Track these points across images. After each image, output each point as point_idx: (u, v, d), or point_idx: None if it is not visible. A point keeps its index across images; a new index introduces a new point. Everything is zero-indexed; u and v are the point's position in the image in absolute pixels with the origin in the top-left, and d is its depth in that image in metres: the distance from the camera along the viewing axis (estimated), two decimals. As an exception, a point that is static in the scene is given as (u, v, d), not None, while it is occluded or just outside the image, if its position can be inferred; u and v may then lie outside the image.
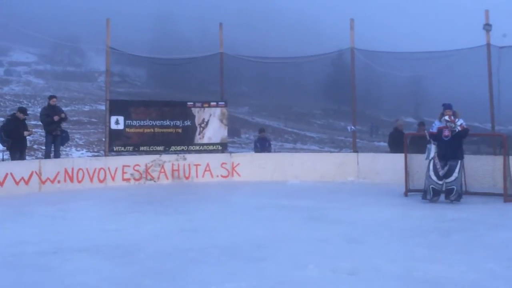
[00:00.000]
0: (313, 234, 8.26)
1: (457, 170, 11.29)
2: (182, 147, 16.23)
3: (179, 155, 15.91)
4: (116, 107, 15.93)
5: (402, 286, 5.67)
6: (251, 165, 16.17)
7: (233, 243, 7.65)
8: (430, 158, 11.59)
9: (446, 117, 11.42)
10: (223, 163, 16.13)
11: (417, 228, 8.94)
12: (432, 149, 11.59)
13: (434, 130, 11.63)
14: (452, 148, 11.32)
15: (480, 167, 12.63)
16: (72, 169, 14.33)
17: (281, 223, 9.28)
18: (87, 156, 22.02)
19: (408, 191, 12.37)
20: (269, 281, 5.81)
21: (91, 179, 14.61)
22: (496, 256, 6.81)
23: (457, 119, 11.41)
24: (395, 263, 6.45)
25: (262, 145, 17.50)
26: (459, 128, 11.33)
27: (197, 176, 15.84)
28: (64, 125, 15.39)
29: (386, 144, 19.07)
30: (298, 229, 8.73)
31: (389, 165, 14.51)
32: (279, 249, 7.26)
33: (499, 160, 12.31)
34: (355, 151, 16.52)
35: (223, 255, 6.95)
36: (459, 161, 11.39)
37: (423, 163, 11.83)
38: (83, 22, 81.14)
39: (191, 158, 15.97)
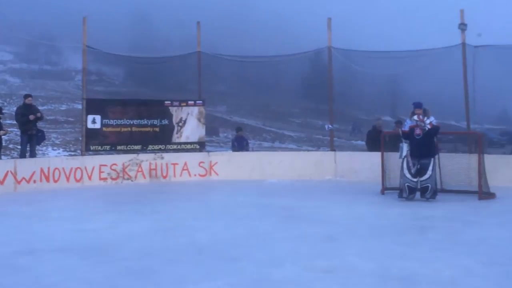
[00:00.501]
0: (291, 232, 8.29)
1: (430, 168, 11.39)
2: (160, 146, 16.18)
3: (157, 154, 15.86)
4: (93, 106, 15.83)
5: (378, 283, 5.72)
6: (229, 164, 16.17)
7: (210, 242, 7.65)
8: (403, 156, 11.68)
9: (415, 117, 11.52)
10: (201, 162, 16.11)
11: (393, 225, 9.02)
12: (404, 147, 11.68)
13: (406, 129, 11.72)
14: (424, 146, 11.40)
15: (455, 165, 12.76)
16: (48, 168, 14.21)
17: (259, 222, 9.29)
18: (64, 155, 21.83)
19: (384, 189, 12.48)
20: (246, 280, 5.83)
21: (68, 179, 14.50)
22: (471, 253, 6.90)
23: (427, 118, 11.50)
24: (371, 261, 6.50)
25: (239, 144, 17.52)
26: (428, 126, 11.41)
27: (174, 175, 15.80)
28: (40, 124, 15.26)
29: (363, 142, 19.16)
30: (276, 227, 8.75)
31: (366, 164, 14.61)
32: (256, 248, 7.28)
33: (474, 158, 12.43)
34: (333, 149, 16.60)
35: (200, 254, 6.96)
36: (432, 159, 11.49)
37: (400, 161, 11.92)
38: (60, 20, 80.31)
39: (169, 157, 15.92)
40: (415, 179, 11.45)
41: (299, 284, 5.70)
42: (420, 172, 11.40)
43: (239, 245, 7.48)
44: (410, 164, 11.49)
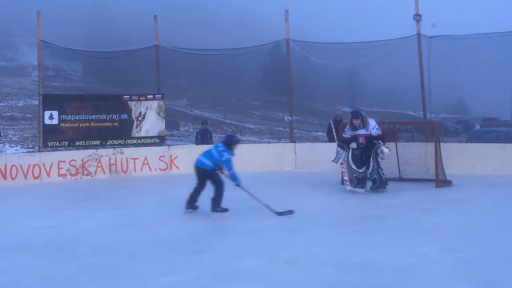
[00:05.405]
0: (252, 225, 8.33)
1: (371, 159, 11.32)
2: (119, 141, 16.00)
3: (116, 149, 15.68)
4: (50, 101, 15.54)
5: (339, 272, 5.80)
6: (190, 158, 15.86)
7: (171, 236, 7.64)
8: (338, 162, 11.65)
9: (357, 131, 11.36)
10: (161, 156, 16.00)
11: (353, 215, 9.15)
12: (343, 155, 11.59)
13: (347, 135, 11.57)
14: (367, 149, 11.34)
15: (413, 154, 12.96)
16: (5, 166, 13.94)
17: (220, 214, 9.30)
18: (22, 152, 21.47)
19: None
20: (207, 273, 5.84)
21: (25, 176, 14.24)
22: (429, 240, 7.04)
23: (369, 124, 11.30)
24: (332, 251, 6.59)
25: (203, 137, 17.36)
26: (375, 134, 11.26)
27: (135, 170, 15.66)
28: (-5, 122, 14.97)
29: (323, 133, 19.28)
30: (237, 220, 8.79)
31: (325, 154, 14.62)
32: (217, 241, 7.30)
33: (431, 146, 12.63)
34: (293, 141, 16.67)
35: (161, 248, 6.94)
36: (371, 150, 11.42)
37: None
38: (14, 14, 78.73)
39: (129, 152, 15.77)
40: (361, 170, 11.45)
41: (261, 276, 5.74)
42: (367, 163, 11.39)
43: (200, 238, 7.50)
44: (358, 157, 11.36)
